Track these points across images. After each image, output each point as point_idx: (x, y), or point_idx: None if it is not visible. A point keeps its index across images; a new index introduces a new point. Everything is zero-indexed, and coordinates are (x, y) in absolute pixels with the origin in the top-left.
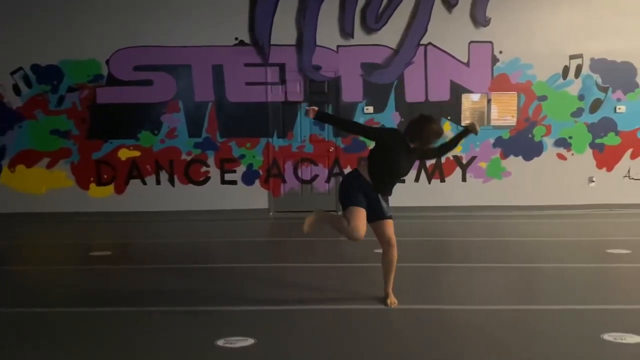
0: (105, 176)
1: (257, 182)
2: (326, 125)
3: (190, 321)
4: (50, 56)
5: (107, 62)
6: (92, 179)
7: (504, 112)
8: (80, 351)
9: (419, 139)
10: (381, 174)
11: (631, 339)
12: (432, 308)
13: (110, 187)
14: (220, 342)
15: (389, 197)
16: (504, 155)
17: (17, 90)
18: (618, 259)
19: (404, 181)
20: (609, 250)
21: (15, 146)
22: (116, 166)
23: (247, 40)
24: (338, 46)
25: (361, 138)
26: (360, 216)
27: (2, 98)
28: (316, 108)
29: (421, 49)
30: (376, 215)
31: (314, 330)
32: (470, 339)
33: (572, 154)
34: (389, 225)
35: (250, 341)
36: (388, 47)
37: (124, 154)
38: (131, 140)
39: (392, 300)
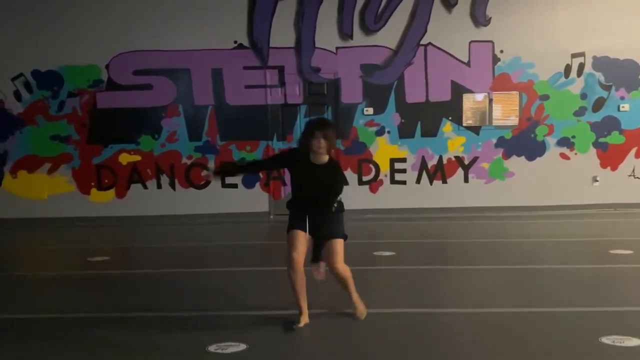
0: (106, 181)
1: (257, 185)
2: None
3: (182, 326)
4: (50, 62)
5: (107, 66)
6: (93, 183)
7: (505, 111)
8: (74, 356)
9: (305, 144)
10: (295, 196)
11: (630, 342)
12: (430, 312)
13: (112, 192)
14: (212, 348)
15: (341, 214)
16: (506, 156)
17: (18, 96)
18: (621, 260)
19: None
20: (612, 251)
21: (17, 152)
22: (117, 171)
23: (246, 43)
24: (337, 47)
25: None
26: (293, 238)
27: (3, 104)
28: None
29: (421, 49)
30: (320, 236)
31: (308, 335)
32: (466, 341)
33: (576, 154)
34: (333, 246)
35: (242, 347)
36: (387, 47)
37: (125, 159)
38: (132, 144)
39: (361, 310)
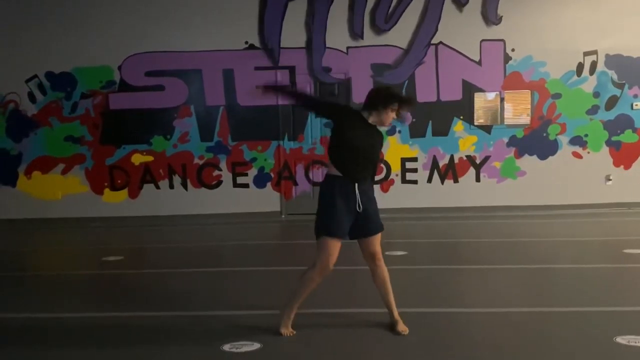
0: (119, 181)
1: (268, 185)
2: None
3: (197, 325)
4: (63, 64)
5: (119, 68)
6: (106, 184)
7: (517, 110)
8: (88, 355)
9: (374, 109)
10: (345, 160)
11: None
12: (443, 311)
13: (124, 192)
14: (226, 347)
15: (374, 195)
16: (519, 155)
17: (32, 97)
18: (635, 259)
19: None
20: (625, 250)
21: (31, 153)
22: (129, 171)
23: (257, 43)
24: (348, 47)
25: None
26: (333, 252)
27: (18, 106)
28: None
29: (432, 48)
30: (362, 232)
31: (321, 335)
32: (479, 341)
33: (588, 152)
34: (375, 240)
35: (256, 346)
36: (398, 47)
37: (137, 159)
38: (144, 145)
39: (403, 327)
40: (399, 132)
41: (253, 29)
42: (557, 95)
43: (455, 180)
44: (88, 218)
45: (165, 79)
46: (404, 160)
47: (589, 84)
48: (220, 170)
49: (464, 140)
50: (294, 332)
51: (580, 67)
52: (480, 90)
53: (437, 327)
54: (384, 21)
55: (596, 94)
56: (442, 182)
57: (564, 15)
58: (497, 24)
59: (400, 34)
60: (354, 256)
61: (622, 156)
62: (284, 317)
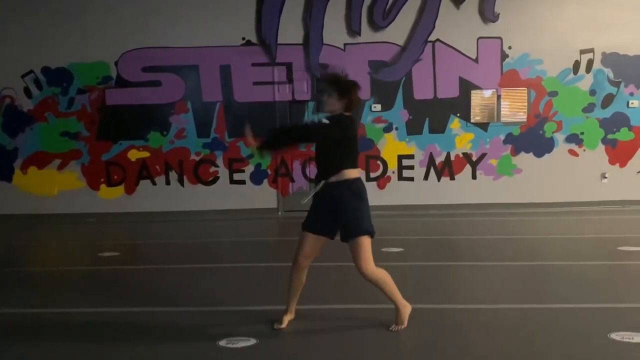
0: (116, 177)
1: (265, 181)
2: None
3: (193, 321)
4: (60, 59)
5: (116, 63)
6: (102, 179)
7: (514, 108)
8: (84, 351)
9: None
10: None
11: (639, 338)
12: (439, 307)
13: (121, 188)
14: (222, 342)
15: (348, 201)
16: (515, 152)
17: (28, 92)
18: (629, 257)
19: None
20: (620, 248)
21: (27, 148)
22: (126, 167)
23: (254, 40)
24: (345, 44)
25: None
26: (302, 243)
27: (14, 101)
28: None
29: (429, 45)
30: (343, 236)
31: (317, 330)
32: (475, 338)
33: (584, 150)
34: (352, 247)
35: (252, 341)
36: (395, 44)
37: (134, 155)
38: (140, 141)
39: (400, 319)
40: (396, 129)
41: (250, 25)
42: (554, 93)
43: (452, 178)
44: (84, 214)
45: (162, 75)
46: (400, 158)
47: (585, 82)
48: (217, 166)
49: (461, 138)
50: (281, 326)
51: (576, 65)
52: (477, 87)
53: (432, 323)
54: (382, 18)
55: (592, 92)
56: (439, 180)
57: (561, 14)
58: (494, 22)
59: (398, 31)
60: (350, 253)
61: (618, 154)
62: (285, 313)
